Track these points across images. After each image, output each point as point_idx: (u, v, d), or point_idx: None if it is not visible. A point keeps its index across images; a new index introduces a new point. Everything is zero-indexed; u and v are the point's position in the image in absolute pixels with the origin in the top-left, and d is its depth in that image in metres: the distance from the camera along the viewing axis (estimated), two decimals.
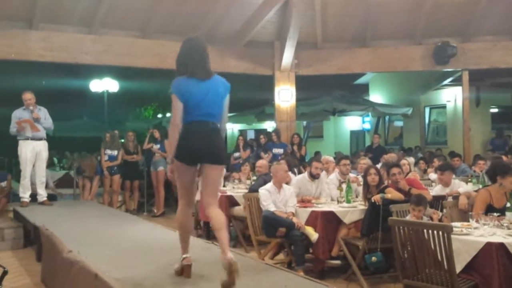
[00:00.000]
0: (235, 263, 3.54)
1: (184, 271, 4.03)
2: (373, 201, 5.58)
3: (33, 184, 8.37)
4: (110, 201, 10.00)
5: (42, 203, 8.30)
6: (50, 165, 16.78)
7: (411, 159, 9.36)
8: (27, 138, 8.10)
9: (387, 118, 17.77)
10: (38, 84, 18.45)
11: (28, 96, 8.12)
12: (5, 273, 2.83)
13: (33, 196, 8.41)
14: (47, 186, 8.94)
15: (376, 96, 17.90)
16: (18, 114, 8.13)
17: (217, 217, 3.82)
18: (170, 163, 3.89)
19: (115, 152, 10.06)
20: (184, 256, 4.05)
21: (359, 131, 19.48)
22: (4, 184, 9.71)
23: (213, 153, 3.86)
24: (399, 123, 18.13)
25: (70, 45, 9.73)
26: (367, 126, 18.64)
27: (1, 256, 7.02)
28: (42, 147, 8.24)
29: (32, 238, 7.25)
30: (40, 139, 8.22)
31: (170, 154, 3.89)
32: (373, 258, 5.41)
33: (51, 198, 8.87)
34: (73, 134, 18.52)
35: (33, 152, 8.14)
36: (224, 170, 4.14)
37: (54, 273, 5.38)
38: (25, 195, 8.16)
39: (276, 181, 6.20)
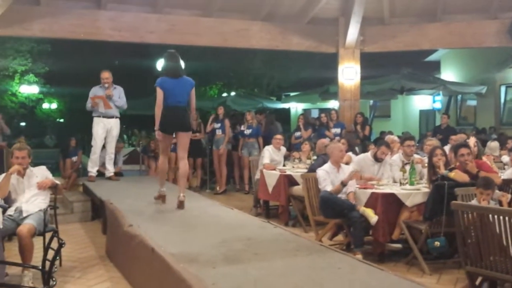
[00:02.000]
0: (183, 202, 5.99)
1: (161, 198, 6.35)
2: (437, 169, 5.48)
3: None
4: (174, 178, 10.20)
5: (110, 178, 8.61)
6: (119, 141, 17.49)
7: (496, 143, 8.85)
8: (99, 115, 8.42)
9: (459, 97, 16.97)
10: (111, 63, 19.09)
11: (106, 75, 8.43)
12: (61, 245, 2.92)
13: (99, 172, 8.73)
14: (116, 164, 9.26)
15: (448, 74, 17.10)
16: (94, 91, 8.46)
17: (184, 168, 6.19)
18: (156, 130, 6.06)
19: None
20: (161, 189, 6.36)
21: (429, 110, 18.72)
22: (75, 159, 10.17)
23: (182, 125, 6.08)
24: (472, 103, 17.26)
25: (137, 25, 9.88)
26: (437, 105, 17.86)
27: (70, 228, 7.39)
28: (113, 124, 8.53)
29: (99, 211, 7.55)
30: (111, 116, 8.50)
31: (156, 124, 6.00)
32: (436, 243, 5.19)
33: (118, 173, 9.18)
34: (141, 112, 18.98)
35: (104, 129, 8.45)
36: (190, 134, 6.32)
37: (116, 246, 5.58)
38: (93, 170, 8.49)
39: (333, 161, 6.06)
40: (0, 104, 19.42)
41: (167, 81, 5.97)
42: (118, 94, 8.49)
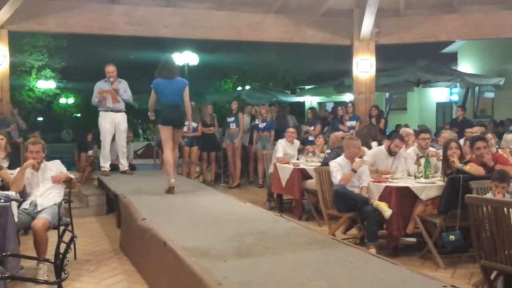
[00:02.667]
0: (173, 187, 6.68)
1: (170, 190, 6.69)
2: (451, 163, 5.48)
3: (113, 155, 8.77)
4: (188, 171, 10.24)
5: (124, 172, 8.66)
6: (135, 135, 17.62)
7: None
8: (106, 110, 8.43)
9: (476, 89, 16.73)
10: (126, 58, 19.16)
11: (111, 69, 8.43)
12: (72, 238, 2.95)
13: (114, 166, 8.79)
14: (128, 156, 9.30)
15: (466, 66, 16.87)
16: (100, 85, 8.46)
17: (174, 156, 6.94)
18: (150, 115, 7.22)
19: (194, 124, 10.22)
20: (170, 180, 6.70)
21: (446, 103, 18.51)
22: (90, 153, 10.27)
23: (176, 122, 6.87)
24: (490, 95, 17.01)
25: (150, 19, 9.90)
26: (455, 98, 17.65)
27: (85, 221, 7.46)
28: (120, 119, 8.56)
29: (113, 205, 7.60)
30: (119, 111, 8.53)
31: (150, 111, 7.14)
32: (451, 237, 5.13)
33: (131, 166, 9.24)
34: (157, 106, 19.07)
35: (112, 124, 8.48)
36: (183, 129, 7.21)
37: (130, 240, 5.61)
38: (106, 164, 8.54)
39: (347, 155, 6.01)
40: (17, 99, 19.64)
41: (160, 82, 6.77)
42: (124, 88, 8.53)
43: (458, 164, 5.46)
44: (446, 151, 5.75)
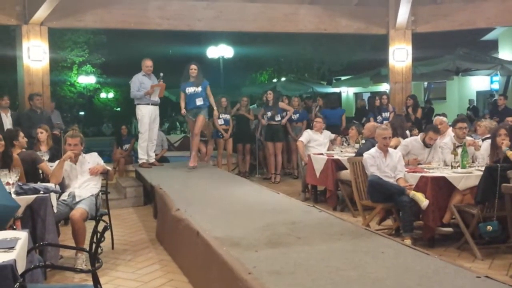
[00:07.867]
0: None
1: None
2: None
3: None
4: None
5: (152, 163, 8.77)
6: (172, 128, 17.89)
7: None
8: (148, 103, 8.55)
9: None
10: (161, 52, 19.40)
11: (150, 63, 8.55)
12: (105, 228, 3.04)
13: None
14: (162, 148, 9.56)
15: (507, 53, 16.32)
16: (140, 79, 8.52)
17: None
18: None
19: (228, 116, 10.27)
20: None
21: (486, 91, 17.99)
22: (126, 147, 10.48)
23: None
24: None
25: (184, 13, 9.99)
26: (495, 86, 17.14)
27: (123, 212, 7.65)
28: (157, 112, 8.73)
29: (150, 196, 7.75)
30: (156, 104, 8.68)
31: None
32: (488, 227, 5.01)
33: (163, 160, 9.40)
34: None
35: (151, 117, 8.62)
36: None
37: (165, 230, 5.72)
38: (144, 156, 8.68)
39: (379, 146, 5.94)
40: (59, 94, 20.23)
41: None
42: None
43: (504, 147, 5.31)
44: (495, 138, 5.59)
